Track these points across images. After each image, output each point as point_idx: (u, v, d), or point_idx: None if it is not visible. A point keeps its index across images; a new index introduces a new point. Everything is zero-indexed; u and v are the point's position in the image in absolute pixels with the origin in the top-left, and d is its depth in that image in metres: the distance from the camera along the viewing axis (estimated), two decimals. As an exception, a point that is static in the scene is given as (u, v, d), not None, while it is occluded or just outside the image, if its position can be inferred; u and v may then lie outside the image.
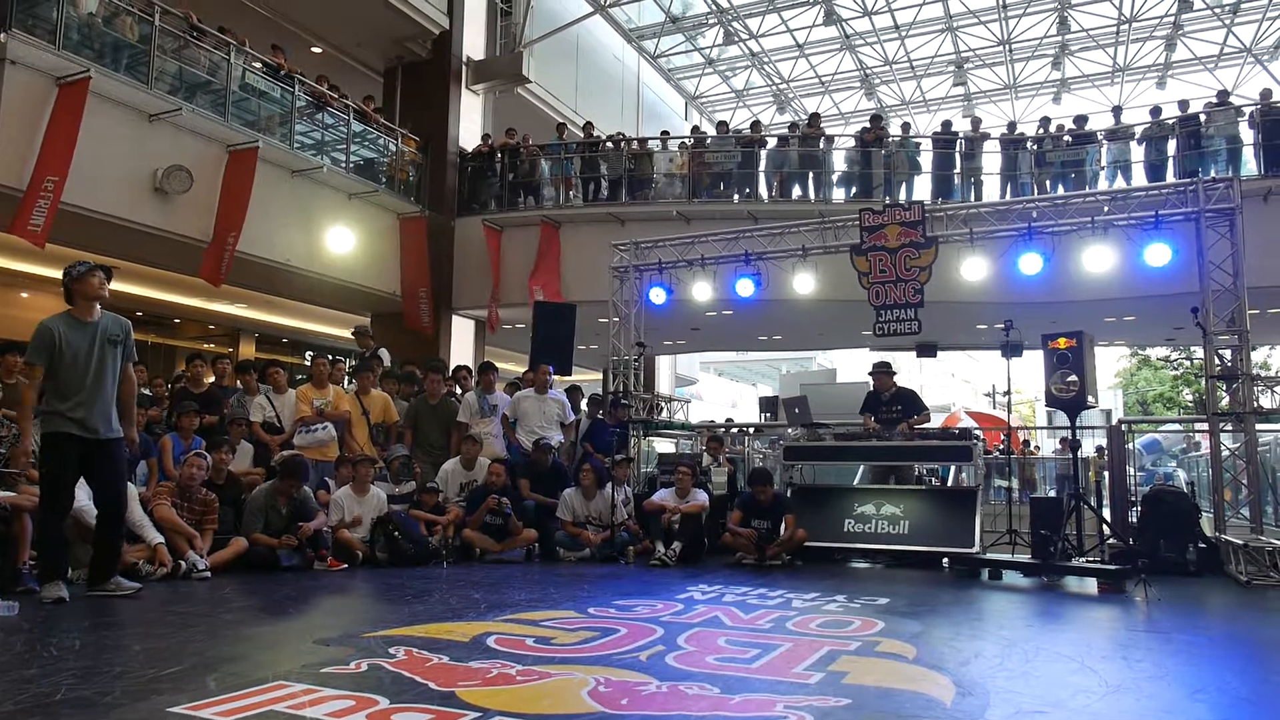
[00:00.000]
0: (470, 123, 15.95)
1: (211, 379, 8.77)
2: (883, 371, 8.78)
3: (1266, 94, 13.69)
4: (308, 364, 10.33)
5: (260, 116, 12.16)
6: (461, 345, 15.19)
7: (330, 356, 8.82)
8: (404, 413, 8.79)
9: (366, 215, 13.86)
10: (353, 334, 10.93)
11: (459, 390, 9.57)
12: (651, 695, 3.20)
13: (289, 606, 5.36)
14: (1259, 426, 7.69)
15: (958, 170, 14.12)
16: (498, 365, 10.00)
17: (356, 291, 13.92)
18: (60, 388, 4.98)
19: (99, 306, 5.14)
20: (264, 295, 14.72)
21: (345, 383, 9.18)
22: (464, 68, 15.90)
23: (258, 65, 12.21)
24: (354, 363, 10.32)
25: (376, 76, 16.40)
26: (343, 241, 13.14)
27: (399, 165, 14.79)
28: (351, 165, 13.69)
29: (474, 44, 16.23)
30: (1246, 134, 13.10)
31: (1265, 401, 7.51)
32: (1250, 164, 12.91)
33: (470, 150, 15.49)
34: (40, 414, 5.09)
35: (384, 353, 10.26)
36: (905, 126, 14.89)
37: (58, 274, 5.27)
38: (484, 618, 4.78)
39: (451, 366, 10.82)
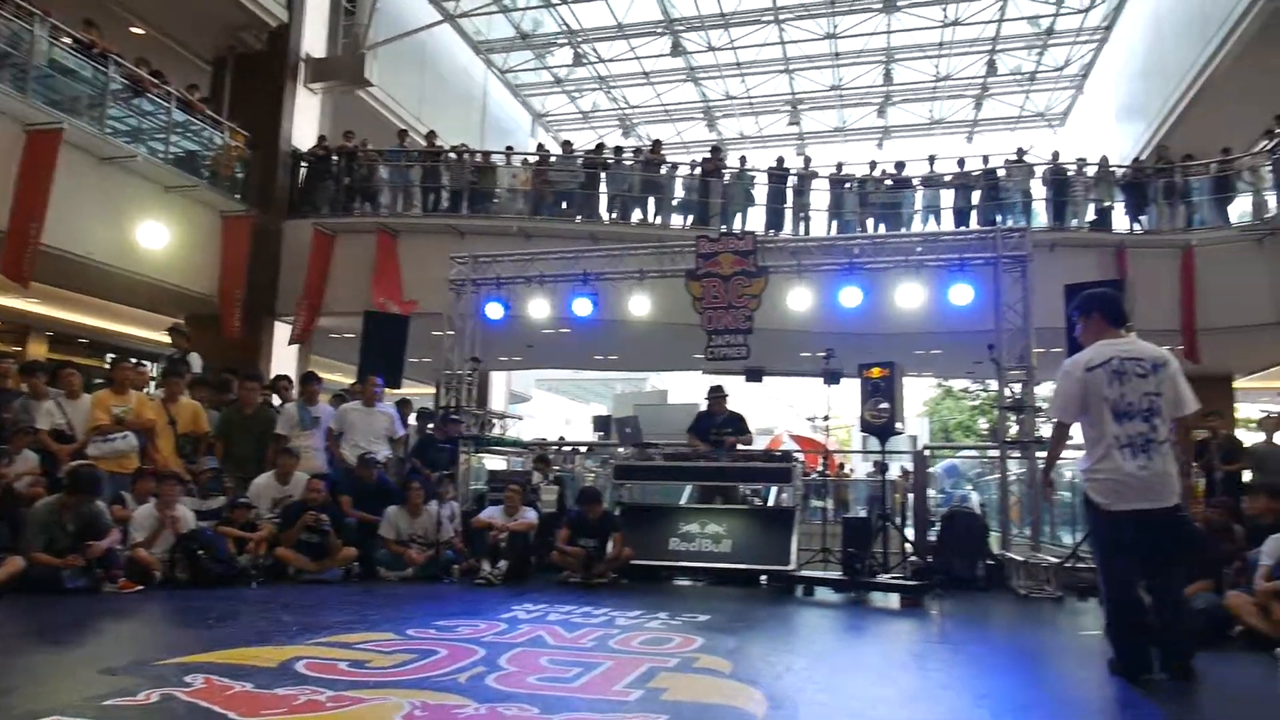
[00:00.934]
0: (306, 122, 15.28)
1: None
2: (719, 396, 9.06)
3: (1056, 155, 15.24)
4: (108, 367, 9.48)
5: (67, 96, 11.16)
6: (285, 354, 14.43)
7: (134, 360, 8.16)
8: (215, 423, 8.23)
9: (186, 211, 12.98)
10: (168, 331, 10.12)
11: (277, 400, 9.09)
12: (469, 718, 3.15)
13: (71, 632, 4.89)
14: (1039, 454, 8.48)
15: (789, 205, 14.84)
16: (323, 376, 9.58)
17: (170, 291, 12.98)
18: None
19: None
20: (60, 291, 13.47)
21: (150, 389, 8.51)
22: (302, 65, 15.24)
23: (67, 41, 11.21)
24: (161, 367, 9.53)
25: (204, 65, 15.45)
26: (157, 237, 12.23)
27: (225, 161, 13.95)
28: (171, 157, 12.80)
29: (314, 41, 15.60)
30: (1039, 190, 14.51)
31: (1046, 431, 8.26)
32: (1041, 216, 14.32)
33: (305, 150, 14.83)
34: None
35: (195, 358, 9.55)
36: (742, 160, 15.49)
37: None
38: (294, 641, 4.54)
39: (272, 375, 10.28)
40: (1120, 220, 14.42)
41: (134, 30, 14.48)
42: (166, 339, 10.24)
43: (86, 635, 4.88)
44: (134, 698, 3.27)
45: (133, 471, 7.28)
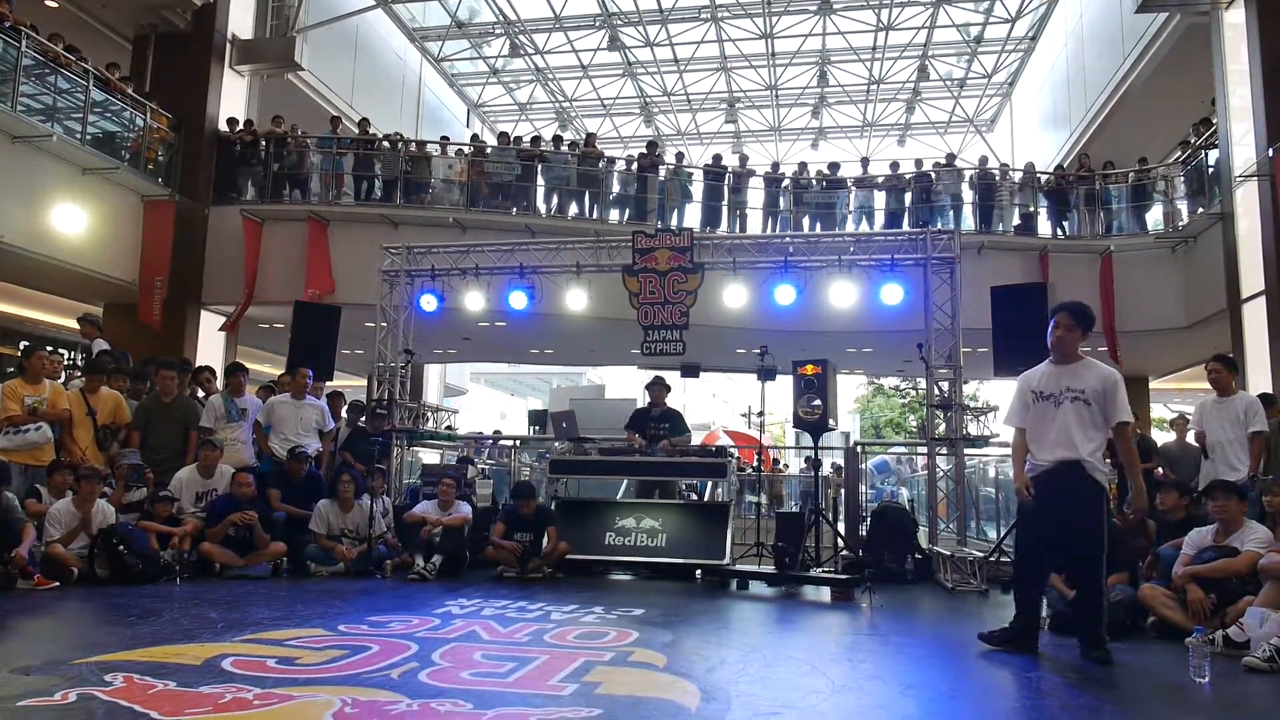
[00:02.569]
0: (233, 105, 14.83)
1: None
2: (660, 385, 9.11)
3: (983, 160, 15.69)
4: (21, 356, 9.06)
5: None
6: (210, 343, 13.99)
7: (49, 349, 7.83)
8: (133, 412, 7.94)
9: (104, 194, 12.49)
10: (78, 320, 9.74)
11: (200, 392, 8.82)
12: (401, 714, 3.12)
13: (-19, 631, 4.69)
14: (966, 451, 8.74)
15: (725, 202, 14.97)
16: (249, 366, 9.33)
17: (88, 278, 12.47)
18: None
19: None
20: (-32, 275, 12.86)
21: (63, 379, 8.16)
22: (228, 46, 14.78)
23: (-25, 13, 10.68)
24: (79, 357, 9.13)
25: (125, 43, 14.84)
26: (74, 221, 11.74)
27: (146, 143, 13.45)
28: (89, 138, 12.29)
29: (241, 22, 15.14)
30: (968, 193, 14.92)
31: (973, 429, 8.53)
32: (969, 220, 14.71)
33: (231, 134, 14.39)
34: None
35: (100, 343, 9.18)
36: (679, 156, 15.57)
37: None
38: (220, 638, 4.43)
39: (197, 365, 9.96)
40: (1044, 225, 14.93)
41: (49, 3, 13.85)
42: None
43: (-3, 635, 4.68)
44: (50, 698, 3.16)
45: (48, 464, 7.00)
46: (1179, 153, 14.39)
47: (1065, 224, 14.86)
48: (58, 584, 6.14)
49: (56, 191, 11.64)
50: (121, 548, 6.46)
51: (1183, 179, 13.94)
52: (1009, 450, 9.65)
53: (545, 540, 7.62)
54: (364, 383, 10.54)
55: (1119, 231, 14.44)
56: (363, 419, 9.44)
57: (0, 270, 12.36)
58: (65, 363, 8.15)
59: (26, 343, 14.59)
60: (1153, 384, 18.51)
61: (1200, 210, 13.08)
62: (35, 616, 5.21)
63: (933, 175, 15.00)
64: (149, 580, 6.47)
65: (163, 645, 4.21)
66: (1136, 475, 4.79)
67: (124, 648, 4.11)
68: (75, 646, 4.34)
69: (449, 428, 10.36)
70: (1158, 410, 20.25)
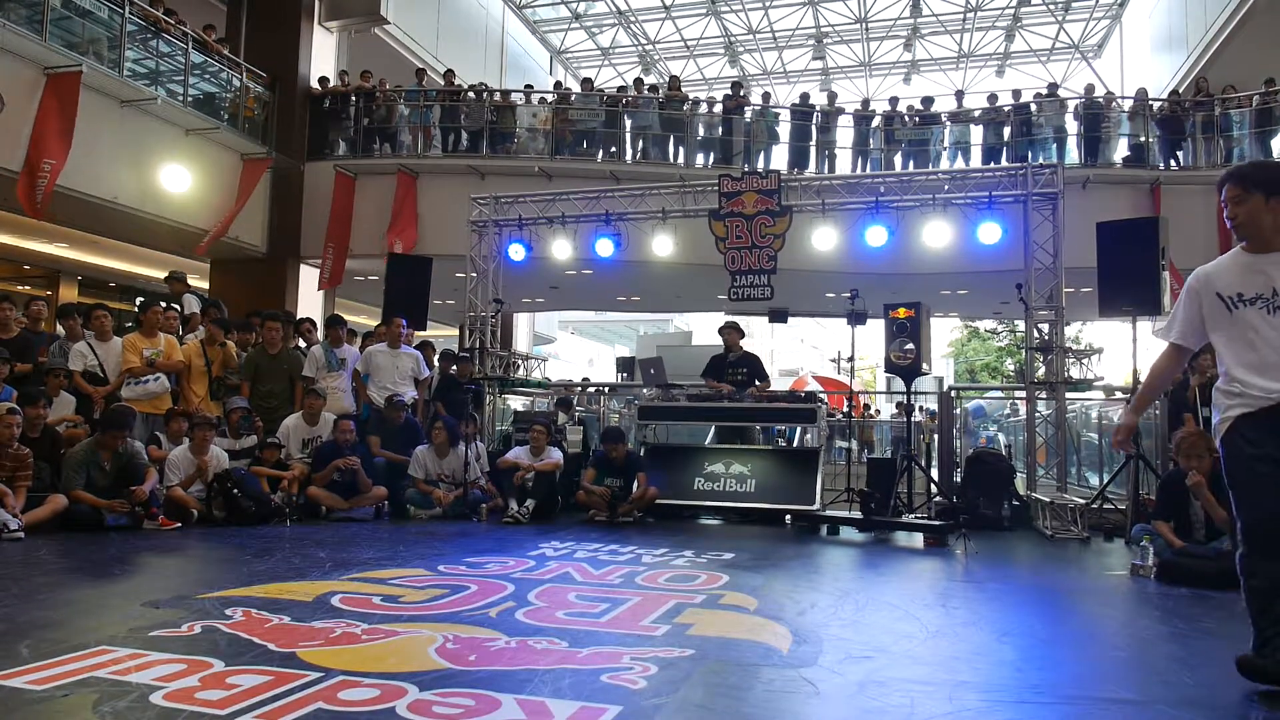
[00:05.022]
0: (323, 62, 15.10)
1: (25, 323, 7.99)
2: (732, 328, 9.02)
3: (1090, 89, 14.82)
4: (137, 310, 9.57)
5: (84, 39, 11.08)
6: (310, 296, 14.51)
7: (164, 304, 8.24)
8: (241, 363, 8.33)
9: (207, 154, 12.95)
10: (166, 279, 10.14)
11: (302, 343, 9.16)
12: (500, 650, 3.22)
13: (114, 568, 5.04)
14: (1068, 395, 8.42)
15: (813, 142, 14.58)
16: (347, 318, 9.63)
17: (194, 235, 13.01)
18: None
19: None
20: (88, 235, 13.56)
21: (179, 332, 8.60)
22: (316, 2, 15.01)
23: (80, -20, 11.10)
24: (196, 310, 9.57)
25: (220, 4, 15.25)
26: (179, 180, 12.23)
27: (243, 102, 13.85)
28: (190, 99, 12.72)
29: (328, -23, 15.33)
30: (1071, 125, 14.14)
31: (1075, 372, 8.21)
32: (1074, 153, 13.97)
33: (322, 90, 14.69)
34: None
35: (190, 299, 9.62)
36: (765, 96, 15.21)
37: None
38: (329, 577, 4.66)
39: (298, 317, 10.34)
40: (1156, 157, 14.06)
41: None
42: (191, 282, 10.33)
43: (129, 571, 5.03)
44: (177, 629, 3.38)
45: (165, 413, 7.43)
46: (1311, 72, 13.30)
47: (1179, 154, 13.96)
48: (179, 525, 6.56)
49: (163, 152, 12.12)
50: (236, 491, 6.84)
51: (1314, 101, 12.90)
52: (1114, 395, 9.29)
53: (635, 485, 7.71)
54: (455, 332, 10.75)
55: (1241, 160, 13.50)
56: (453, 368, 9.66)
57: (114, 230, 13.04)
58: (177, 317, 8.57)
59: (142, 298, 15.37)
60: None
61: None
62: (161, 554, 5.58)
63: (1033, 107, 14.26)
64: (261, 521, 6.83)
65: (277, 582, 4.45)
66: None
67: (242, 584, 4.37)
68: (198, 582, 4.63)
69: (545, 377, 10.47)
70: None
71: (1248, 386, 3.06)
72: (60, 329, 8.06)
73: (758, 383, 8.67)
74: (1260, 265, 3.14)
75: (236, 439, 7.60)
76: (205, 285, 14.74)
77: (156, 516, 6.47)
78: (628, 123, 14.66)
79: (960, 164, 13.71)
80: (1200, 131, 13.80)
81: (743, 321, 9.42)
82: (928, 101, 14.65)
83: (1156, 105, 14.50)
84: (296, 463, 7.62)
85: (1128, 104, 14.42)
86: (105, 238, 13.72)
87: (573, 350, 40.72)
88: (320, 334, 9.76)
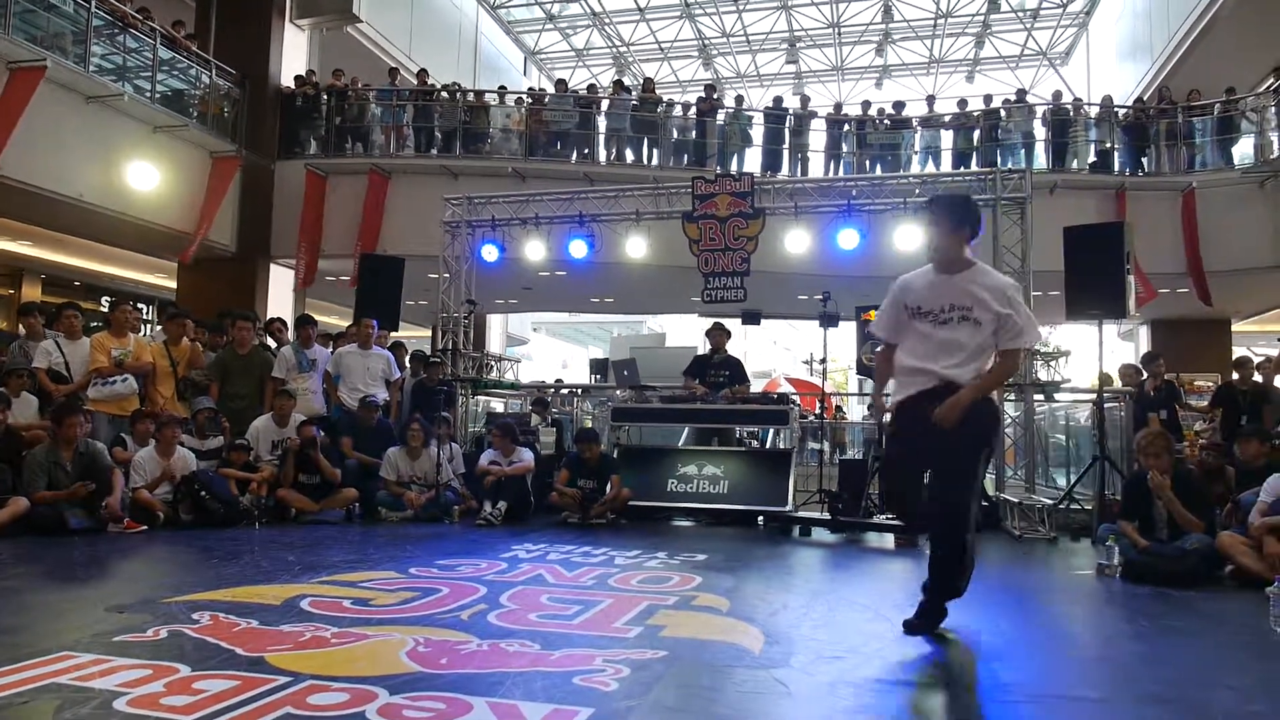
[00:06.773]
0: (294, 60, 14.95)
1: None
2: (720, 330, 9.06)
3: (1057, 95, 15.05)
4: (106, 310, 9.42)
5: (49, 33, 10.88)
6: (280, 296, 14.35)
7: (131, 303, 8.11)
8: (210, 364, 8.22)
9: (175, 151, 12.77)
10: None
11: (272, 343, 9.06)
12: (472, 653, 3.21)
13: (78, 571, 4.96)
14: (1035, 397, 8.53)
15: (786, 145, 14.65)
16: (317, 318, 9.54)
17: (162, 233, 12.82)
18: None
19: None
20: (52, 233, 13.32)
21: (145, 332, 8.47)
22: (288, 0, 14.86)
23: (45, -25, 10.90)
24: (162, 311, 9.44)
25: (189, 1, 15.05)
26: (146, 178, 12.05)
27: (213, 99, 13.68)
28: (158, 96, 12.55)
29: (300, -26, 15.18)
30: (1040, 131, 14.34)
31: (1043, 374, 8.31)
32: (1041, 158, 14.16)
33: (293, 88, 14.54)
34: None
35: None
36: (739, 99, 15.29)
37: None
38: (298, 580, 4.61)
39: (268, 317, 10.23)
40: (1121, 163, 14.30)
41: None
42: (158, 281, 10.18)
43: (94, 574, 4.95)
44: (143, 634, 3.33)
45: (131, 414, 7.31)
46: (1272, 80, 13.58)
47: (1144, 161, 14.21)
48: (145, 527, 6.46)
49: (130, 149, 11.93)
50: (203, 493, 6.75)
51: (1274, 109, 13.17)
52: (1082, 395, 9.40)
53: (608, 487, 7.71)
54: (428, 333, 10.68)
55: (1203, 167, 13.76)
56: (424, 370, 9.60)
57: (80, 228, 12.81)
58: (144, 317, 8.46)
59: (109, 298, 15.14)
60: (1235, 326, 17.74)
61: (1293, 143, 12.38)
62: (127, 558, 5.49)
63: (1002, 113, 14.45)
64: (229, 524, 6.74)
65: (245, 586, 4.39)
66: None
67: (209, 588, 4.31)
68: (164, 586, 4.56)
69: (516, 378, 10.45)
70: (1241, 354, 19.42)
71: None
72: (21, 328, 7.90)
73: (737, 386, 8.70)
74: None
75: (203, 440, 7.50)
76: (173, 285, 14.56)
77: (122, 519, 6.36)
78: (601, 124, 14.67)
79: (931, 168, 13.84)
80: (1164, 138, 14.05)
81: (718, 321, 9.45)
82: (899, 106, 14.79)
83: (1122, 112, 14.74)
84: (265, 464, 7.54)
85: (1094, 111, 14.65)
86: (70, 235, 13.48)
87: (546, 352, 40.58)
88: (290, 334, 9.65)
